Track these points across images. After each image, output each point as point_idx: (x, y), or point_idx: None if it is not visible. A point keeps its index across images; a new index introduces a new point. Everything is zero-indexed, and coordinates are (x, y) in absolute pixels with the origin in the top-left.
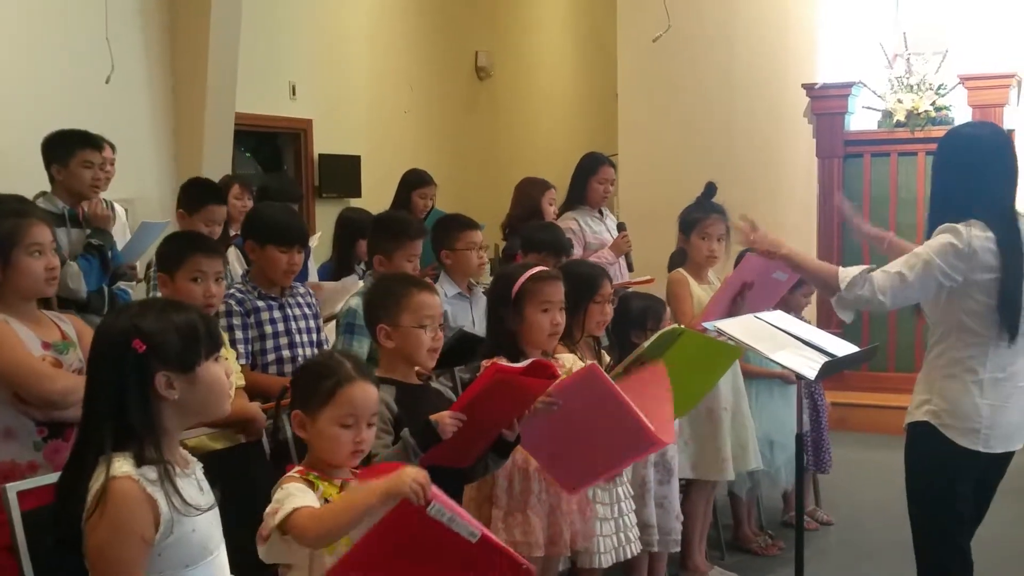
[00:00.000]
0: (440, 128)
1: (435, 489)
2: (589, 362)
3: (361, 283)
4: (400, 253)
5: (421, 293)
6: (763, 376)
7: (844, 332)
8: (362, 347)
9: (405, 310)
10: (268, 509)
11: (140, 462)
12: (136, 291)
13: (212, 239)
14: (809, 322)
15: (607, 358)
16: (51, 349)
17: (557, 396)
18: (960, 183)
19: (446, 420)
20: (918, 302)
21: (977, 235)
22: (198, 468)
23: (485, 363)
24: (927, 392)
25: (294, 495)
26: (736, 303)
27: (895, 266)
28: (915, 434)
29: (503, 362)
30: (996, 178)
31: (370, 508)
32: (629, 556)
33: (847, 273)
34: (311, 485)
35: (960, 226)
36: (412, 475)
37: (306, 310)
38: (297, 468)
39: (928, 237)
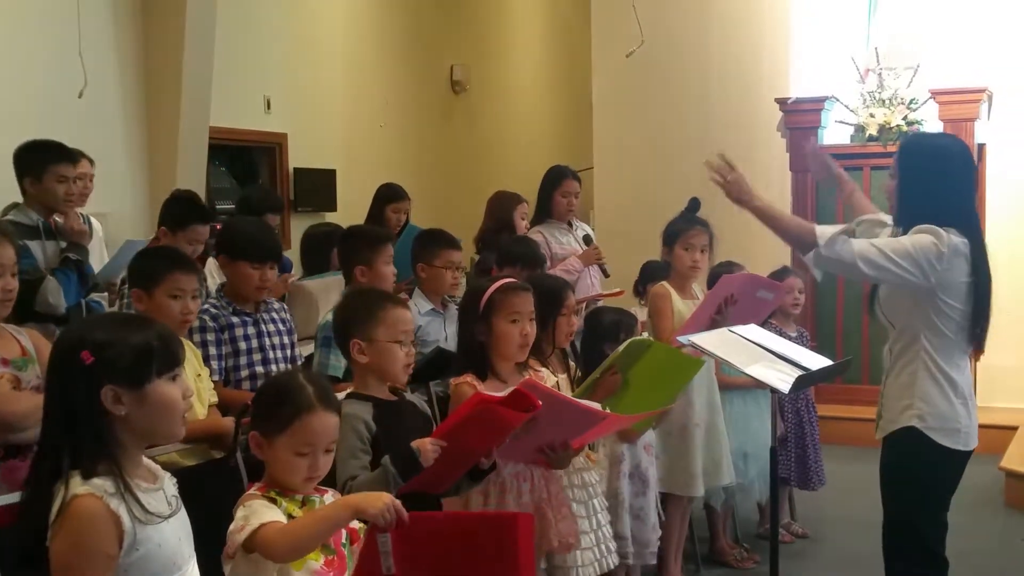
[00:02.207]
0: (416, 142)
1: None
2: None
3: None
4: (380, 259)
5: (396, 308)
6: (741, 387)
7: (818, 346)
8: (339, 361)
9: (380, 324)
10: (232, 527)
11: (91, 475)
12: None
13: (189, 256)
14: (804, 331)
15: (576, 370)
16: (10, 366)
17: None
18: (933, 190)
19: (428, 447)
20: (874, 296)
21: (955, 239)
22: (168, 482)
23: (454, 381)
24: (907, 398)
25: (259, 511)
26: (715, 322)
27: (877, 241)
28: (899, 441)
29: (467, 379)
30: (966, 188)
31: (339, 523)
32: (608, 568)
33: (825, 230)
34: (273, 502)
35: (941, 229)
36: (386, 501)
37: (280, 326)
38: (257, 485)
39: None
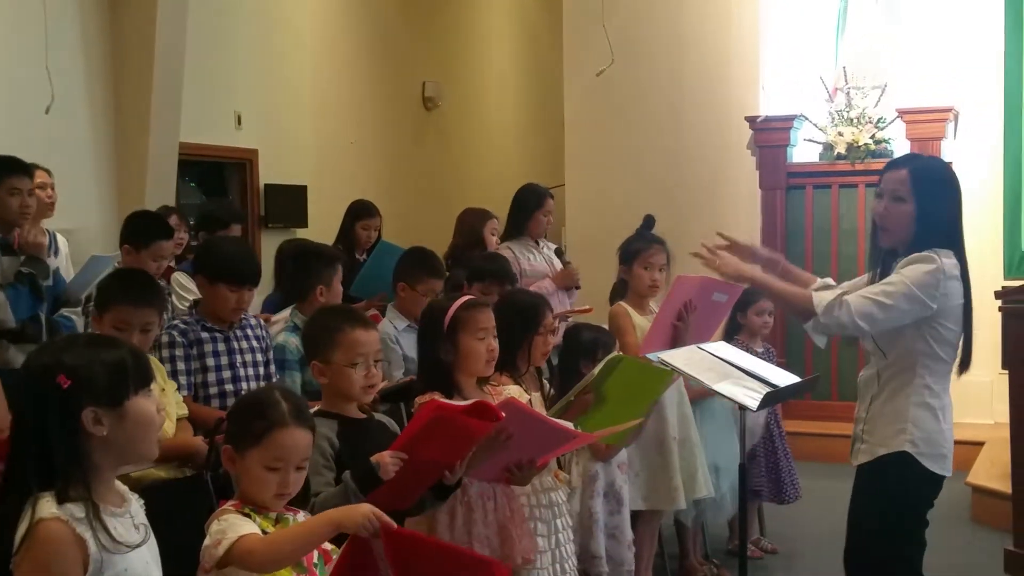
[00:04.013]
0: (387, 158)
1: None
2: (513, 395)
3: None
4: (336, 279)
5: (355, 330)
6: (710, 395)
7: (787, 362)
8: (294, 382)
9: (338, 347)
10: (208, 542)
11: (63, 499)
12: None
13: (147, 287)
14: (770, 347)
15: (549, 388)
16: None
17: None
18: (948, 214)
19: (387, 460)
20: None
21: (947, 262)
22: (136, 505)
23: (419, 399)
24: (899, 422)
25: (236, 524)
26: (678, 328)
27: (871, 292)
28: (888, 465)
29: (438, 397)
30: (961, 214)
31: (321, 538)
32: None
33: (822, 298)
34: (247, 518)
35: (932, 254)
36: (364, 511)
37: (254, 343)
38: (231, 502)
39: (876, 266)
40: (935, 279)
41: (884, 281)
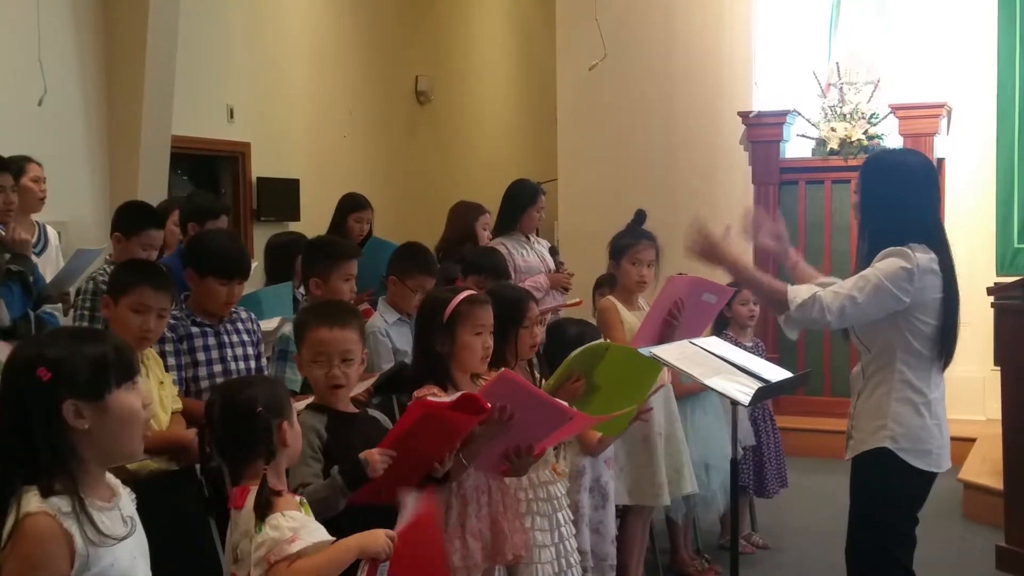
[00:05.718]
0: (380, 152)
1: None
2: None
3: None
4: (336, 274)
5: (319, 328)
6: (700, 391)
7: (780, 357)
8: (296, 375)
9: (305, 344)
10: (276, 534)
11: (48, 493)
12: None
13: (163, 273)
14: (759, 342)
15: (541, 381)
16: None
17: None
18: (895, 211)
19: (375, 458)
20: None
21: (922, 257)
22: (126, 498)
23: (416, 393)
24: (880, 418)
25: (312, 529)
26: (668, 326)
27: (844, 287)
28: (870, 461)
29: (432, 391)
30: (929, 204)
31: (350, 559)
32: None
33: (797, 293)
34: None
35: (907, 249)
36: (384, 536)
37: (245, 336)
38: (272, 483)
39: (864, 264)
40: (908, 274)
41: (857, 276)
